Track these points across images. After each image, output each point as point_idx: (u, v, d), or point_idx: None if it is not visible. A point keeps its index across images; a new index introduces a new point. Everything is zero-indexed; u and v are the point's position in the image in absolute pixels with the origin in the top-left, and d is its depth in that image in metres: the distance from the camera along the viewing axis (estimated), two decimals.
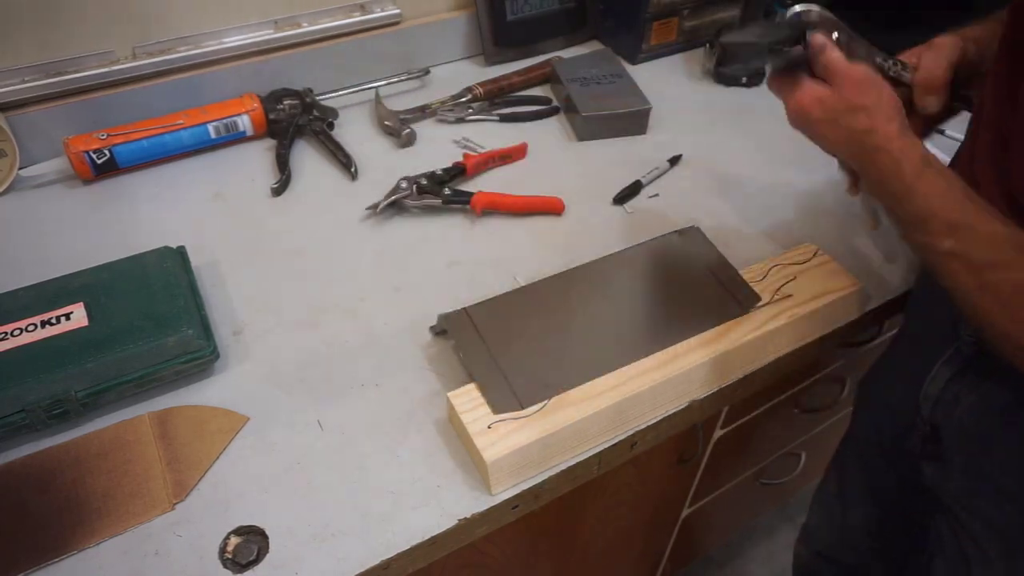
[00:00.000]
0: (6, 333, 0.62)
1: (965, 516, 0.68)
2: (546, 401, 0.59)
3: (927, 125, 0.68)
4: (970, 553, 0.68)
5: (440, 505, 0.56)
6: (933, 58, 0.65)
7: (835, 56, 0.58)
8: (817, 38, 0.59)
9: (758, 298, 0.69)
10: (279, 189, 0.86)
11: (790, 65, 0.60)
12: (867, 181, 0.60)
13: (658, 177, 0.90)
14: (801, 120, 0.61)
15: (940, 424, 0.66)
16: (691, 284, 0.71)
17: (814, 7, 0.63)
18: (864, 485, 0.88)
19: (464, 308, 0.66)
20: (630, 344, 0.65)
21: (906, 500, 0.81)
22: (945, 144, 0.97)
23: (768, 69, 0.63)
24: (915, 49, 0.69)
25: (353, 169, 0.89)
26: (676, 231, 0.77)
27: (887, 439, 0.80)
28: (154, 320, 0.63)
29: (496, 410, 0.59)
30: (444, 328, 0.66)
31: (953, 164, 0.64)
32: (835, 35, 0.62)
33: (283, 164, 0.89)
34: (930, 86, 0.66)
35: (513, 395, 0.60)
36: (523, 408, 0.59)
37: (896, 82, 0.66)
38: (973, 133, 0.60)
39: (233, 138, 0.92)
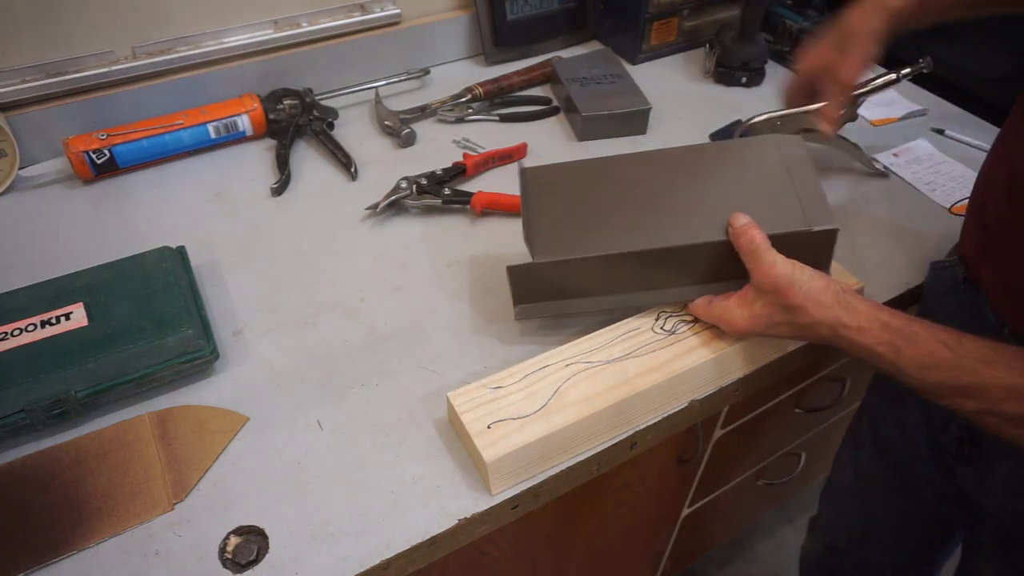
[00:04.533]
0: (6, 333, 0.62)
1: (1009, 521, 0.66)
2: (555, 392, 0.59)
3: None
4: (1013, 553, 0.67)
5: (440, 505, 0.56)
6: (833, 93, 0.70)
7: (758, 251, 0.58)
8: (737, 220, 0.61)
9: (830, 220, 0.63)
10: (279, 189, 0.86)
11: None
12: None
13: None
14: (748, 333, 0.61)
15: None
16: (765, 182, 0.67)
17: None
18: (888, 479, 0.85)
19: (521, 163, 0.66)
20: (691, 222, 0.64)
21: (936, 496, 0.79)
22: (946, 145, 0.97)
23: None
24: (826, 39, 0.71)
25: (353, 169, 0.89)
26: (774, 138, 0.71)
27: (916, 437, 0.77)
28: (154, 320, 0.63)
29: (535, 253, 0.62)
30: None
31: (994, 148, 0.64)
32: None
33: (283, 164, 0.89)
34: (829, 118, 0.71)
35: (561, 242, 0.62)
36: (570, 255, 0.62)
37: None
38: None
39: (233, 138, 0.92)
